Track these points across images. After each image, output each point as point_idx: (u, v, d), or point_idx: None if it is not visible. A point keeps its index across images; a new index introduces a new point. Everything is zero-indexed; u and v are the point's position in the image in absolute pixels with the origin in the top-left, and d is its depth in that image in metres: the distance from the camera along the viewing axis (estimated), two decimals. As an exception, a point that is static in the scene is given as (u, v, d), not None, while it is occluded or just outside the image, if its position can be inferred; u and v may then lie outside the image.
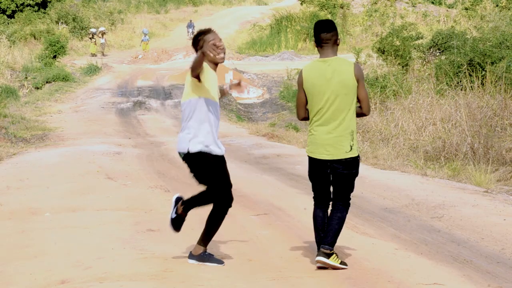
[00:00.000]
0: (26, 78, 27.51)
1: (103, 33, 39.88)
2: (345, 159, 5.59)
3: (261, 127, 18.46)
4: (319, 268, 5.65)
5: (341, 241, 6.28)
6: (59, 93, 25.60)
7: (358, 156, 5.67)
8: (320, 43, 5.66)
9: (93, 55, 38.76)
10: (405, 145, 13.04)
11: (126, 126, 18.78)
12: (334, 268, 5.62)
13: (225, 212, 5.75)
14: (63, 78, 28.00)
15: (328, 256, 5.62)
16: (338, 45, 5.71)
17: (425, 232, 7.11)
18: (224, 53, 5.72)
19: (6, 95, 22.49)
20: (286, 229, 7.27)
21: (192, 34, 42.59)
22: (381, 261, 5.80)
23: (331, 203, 5.80)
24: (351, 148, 5.59)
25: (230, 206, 5.76)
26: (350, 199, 5.77)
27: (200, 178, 5.73)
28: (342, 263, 5.69)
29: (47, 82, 27.41)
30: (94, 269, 5.72)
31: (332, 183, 5.72)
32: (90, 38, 39.84)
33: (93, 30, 40.20)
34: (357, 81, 5.58)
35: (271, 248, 6.44)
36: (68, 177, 10.51)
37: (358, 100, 5.69)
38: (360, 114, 5.74)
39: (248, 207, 8.41)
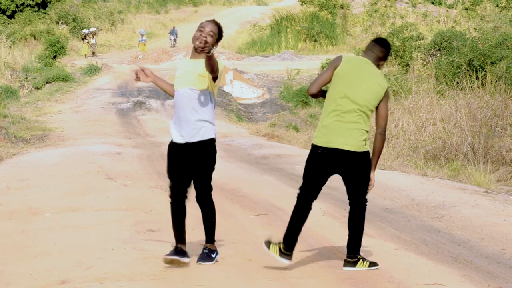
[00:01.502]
0: (26, 78, 27.51)
1: (93, 34, 39.75)
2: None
3: (261, 127, 18.46)
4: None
5: (341, 241, 6.28)
6: (59, 93, 25.60)
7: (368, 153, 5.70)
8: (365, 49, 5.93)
9: (86, 56, 38.60)
10: (405, 145, 13.04)
11: (126, 126, 18.78)
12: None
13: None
14: (63, 78, 27.99)
15: (354, 264, 5.65)
16: (378, 64, 5.87)
17: (425, 232, 7.11)
18: (203, 41, 5.34)
19: (6, 95, 22.49)
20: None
21: (175, 42, 42.58)
22: (381, 261, 5.79)
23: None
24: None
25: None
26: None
27: (208, 166, 5.86)
28: (371, 264, 5.68)
29: (47, 82, 27.41)
30: (94, 269, 5.72)
31: None
32: (83, 39, 39.72)
33: (85, 31, 40.05)
34: (384, 94, 5.80)
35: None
36: (68, 177, 10.51)
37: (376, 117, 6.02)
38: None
39: (248, 207, 8.41)
